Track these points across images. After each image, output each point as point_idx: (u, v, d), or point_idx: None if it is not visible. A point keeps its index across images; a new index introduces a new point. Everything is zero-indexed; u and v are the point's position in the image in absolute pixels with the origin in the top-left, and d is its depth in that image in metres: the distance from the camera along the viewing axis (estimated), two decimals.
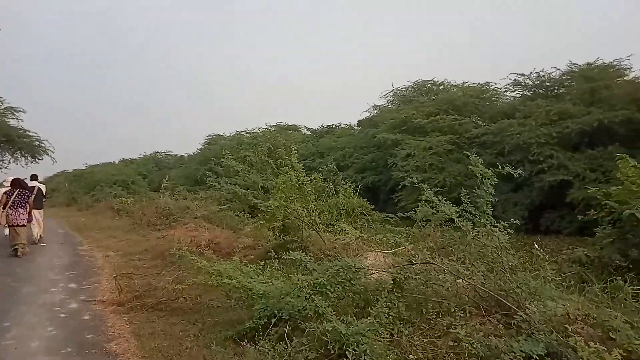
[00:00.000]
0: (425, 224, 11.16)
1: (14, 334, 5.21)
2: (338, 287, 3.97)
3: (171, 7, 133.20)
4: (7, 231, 10.46)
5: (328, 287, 3.94)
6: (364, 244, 7.96)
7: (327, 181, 10.86)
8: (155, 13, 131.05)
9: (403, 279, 3.93)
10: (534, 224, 17.47)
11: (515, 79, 22.12)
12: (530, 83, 21.85)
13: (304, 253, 7.41)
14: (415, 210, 11.09)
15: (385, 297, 3.81)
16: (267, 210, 6.92)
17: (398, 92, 27.23)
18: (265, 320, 4.33)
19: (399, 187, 20.92)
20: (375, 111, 29.00)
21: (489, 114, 23.48)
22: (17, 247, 9.83)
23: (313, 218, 7.67)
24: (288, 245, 7.44)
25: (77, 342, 4.94)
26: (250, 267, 5.39)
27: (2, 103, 23.89)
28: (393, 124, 24.22)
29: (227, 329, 4.93)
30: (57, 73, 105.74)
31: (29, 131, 23.50)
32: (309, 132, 32.77)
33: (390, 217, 11.83)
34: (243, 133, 32.00)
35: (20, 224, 10.00)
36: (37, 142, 23.82)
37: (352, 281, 4.00)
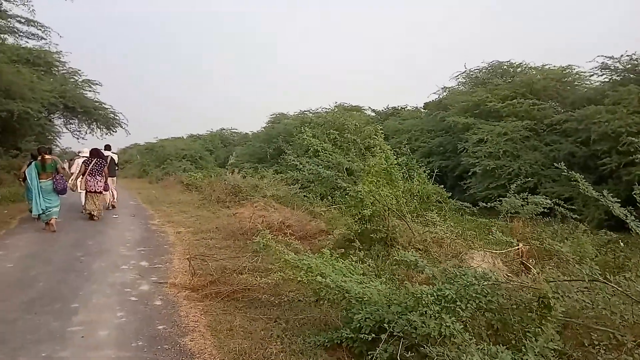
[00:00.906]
0: (512, 216, 10.01)
1: (82, 318, 4.65)
2: (471, 304, 3.03)
3: None
4: (83, 197, 11.05)
5: (459, 304, 3.01)
6: (457, 238, 6.97)
7: (399, 165, 9.93)
8: None
9: (559, 297, 2.93)
10: (617, 220, 15.72)
11: (603, 62, 19.85)
12: (621, 67, 19.55)
13: (390, 245, 6.60)
14: (500, 201, 9.93)
15: (536, 321, 2.85)
16: (357, 195, 6.03)
17: (471, 73, 25.39)
18: (370, 333, 3.46)
19: (469, 173, 19.62)
20: (444, 93, 27.35)
21: (571, 99, 21.43)
22: (92, 211, 10.40)
23: (401, 206, 6.75)
24: (372, 235, 6.57)
25: (149, 334, 4.31)
26: (343, 263, 4.56)
27: (80, 76, 24.22)
28: (464, 107, 22.60)
29: (317, 334, 4.13)
30: (131, 49, 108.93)
31: (104, 103, 23.71)
32: (373, 114, 31.51)
33: (465, 206, 10.66)
34: (307, 113, 31.30)
35: (98, 190, 10.55)
36: (112, 115, 24.02)
37: (489, 297, 3.06)
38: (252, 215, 10.86)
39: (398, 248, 6.17)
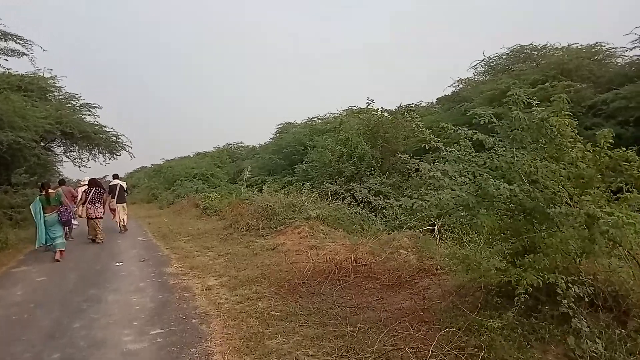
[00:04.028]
0: None
1: None
2: None
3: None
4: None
5: None
6: None
7: None
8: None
9: None
10: None
11: None
12: None
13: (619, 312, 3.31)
14: None
15: None
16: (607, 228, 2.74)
17: (490, 61, 22.26)
18: None
19: None
20: (460, 85, 24.25)
21: (606, 77, 18.47)
22: (95, 237, 10.59)
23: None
24: (562, 291, 3.27)
25: None
26: None
27: (78, 100, 21.06)
28: (490, 97, 19.48)
29: None
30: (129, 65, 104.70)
31: (105, 127, 20.55)
32: (386, 114, 28.39)
33: None
34: (315, 119, 28.34)
35: (98, 217, 10.72)
36: (114, 138, 20.83)
37: None
38: (296, 247, 7.70)
39: None
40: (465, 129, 4.20)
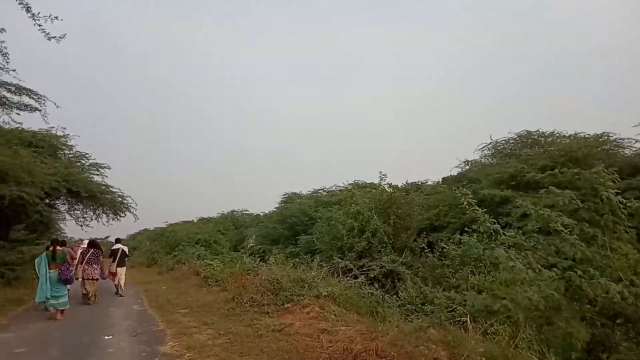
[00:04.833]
0: None
1: None
2: None
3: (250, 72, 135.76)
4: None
5: None
6: None
7: None
8: (233, 80, 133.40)
9: None
10: None
11: None
12: None
13: None
14: None
15: None
16: None
17: (498, 144, 22.25)
18: None
19: None
20: (467, 167, 24.11)
21: (615, 167, 18.20)
22: (89, 296, 10.59)
23: None
24: None
25: None
26: None
27: (88, 159, 20.88)
28: (498, 180, 19.23)
29: None
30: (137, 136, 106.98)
31: (112, 187, 20.14)
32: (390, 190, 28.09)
33: None
34: (320, 191, 28.15)
35: (95, 278, 10.74)
36: (120, 199, 20.33)
37: None
38: (305, 329, 6.90)
39: None
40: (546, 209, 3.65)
